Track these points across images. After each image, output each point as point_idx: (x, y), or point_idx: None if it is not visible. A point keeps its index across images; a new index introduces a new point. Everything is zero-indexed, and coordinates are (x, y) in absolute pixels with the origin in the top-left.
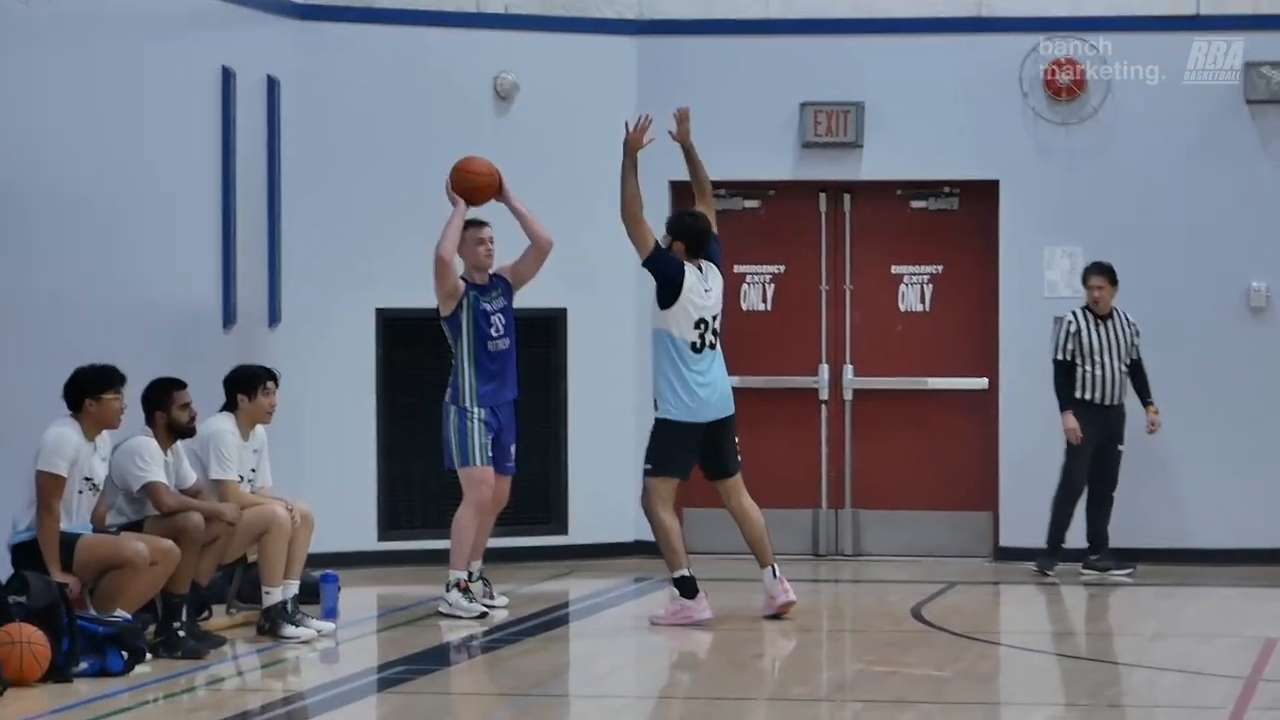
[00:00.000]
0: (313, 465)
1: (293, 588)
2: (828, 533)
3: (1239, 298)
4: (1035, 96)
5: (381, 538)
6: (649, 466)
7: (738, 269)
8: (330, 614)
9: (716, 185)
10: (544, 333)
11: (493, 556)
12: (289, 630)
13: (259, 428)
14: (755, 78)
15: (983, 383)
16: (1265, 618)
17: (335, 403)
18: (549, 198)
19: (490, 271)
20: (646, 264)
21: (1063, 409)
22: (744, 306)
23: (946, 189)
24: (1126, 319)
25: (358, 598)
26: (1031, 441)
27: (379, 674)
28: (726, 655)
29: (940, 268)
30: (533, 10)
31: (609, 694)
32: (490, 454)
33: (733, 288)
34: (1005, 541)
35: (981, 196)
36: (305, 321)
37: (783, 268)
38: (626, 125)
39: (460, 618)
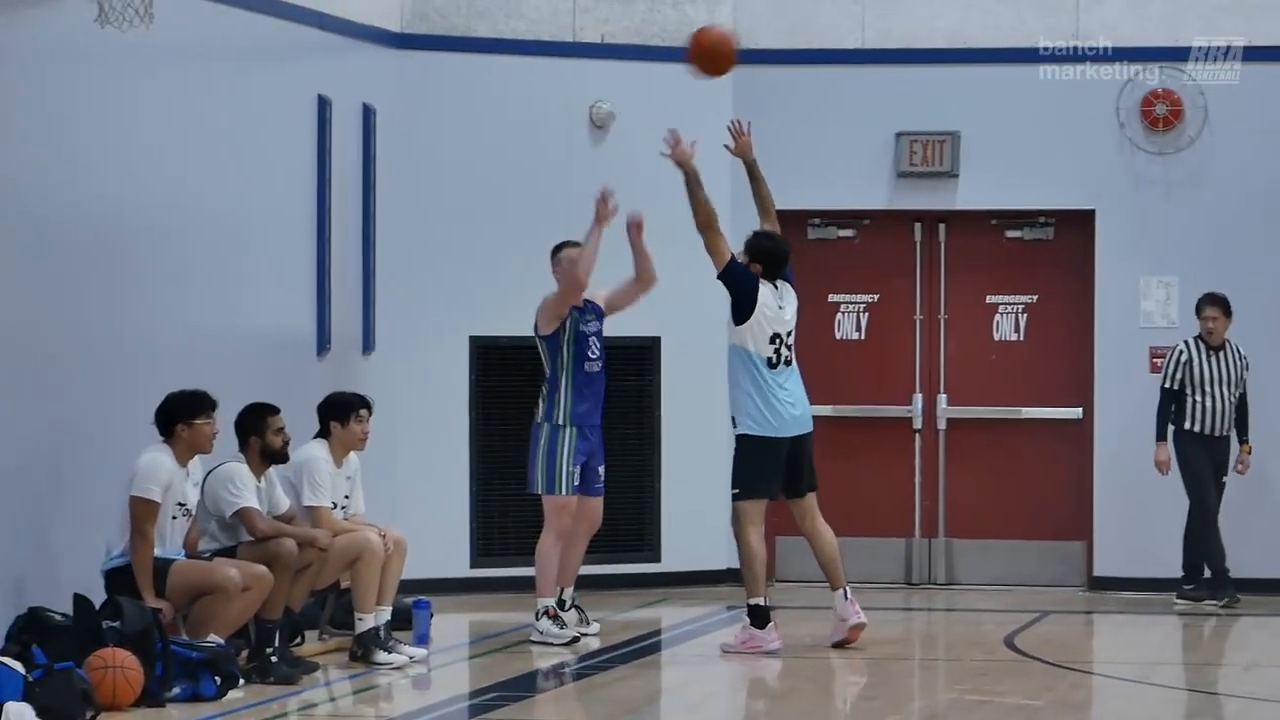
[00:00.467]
0: (406, 492)
1: (385, 614)
2: (920, 561)
3: None
4: (1132, 127)
5: (474, 564)
6: (736, 490)
7: (832, 298)
8: (423, 640)
9: (812, 214)
10: (637, 361)
11: (586, 584)
12: (381, 656)
13: (352, 455)
14: (851, 107)
15: (1077, 412)
16: None
17: (428, 429)
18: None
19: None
20: (722, 276)
21: (1159, 438)
22: (838, 335)
23: (1042, 219)
24: (1238, 351)
25: (450, 624)
26: (1127, 471)
27: (470, 700)
28: (818, 683)
29: (1035, 297)
30: (629, 39)
31: None
32: (576, 483)
33: (827, 317)
34: (1099, 571)
35: (1077, 226)
36: (399, 349)
37: (877, 297)
38: (666, 139)
39: (551, 644)
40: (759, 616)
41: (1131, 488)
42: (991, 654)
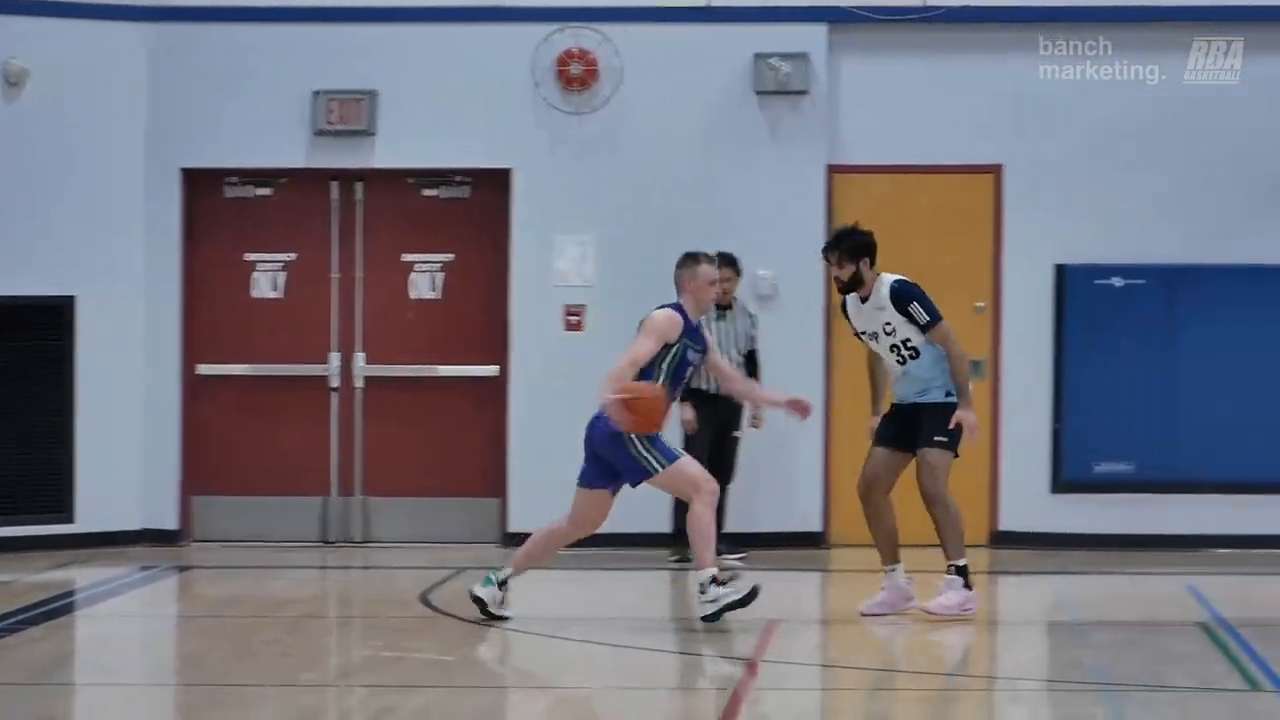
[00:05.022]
0: None
1: None
2: (338, 519)
3: (746, 286)
4: (547, 86)
5: None
6: (945, 440)
7: (248, 257)
8: None
9: (229, 173)
10: (53, 320)
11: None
12: None
13: None
14: (268, 65)
15: (494, 370)
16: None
17: None
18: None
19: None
20: (927, 324)
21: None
22: (254, 294)
23: (458, 178)
24: (745, 309)
25: None
26: (539, 428)
27: None
28: (234, 641)
29: (452, 256)
30: None
31: (116, 682)
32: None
33: (243, 275)
34: (514, 527)
35: (493, 185)
36: None
37: (294, 255)
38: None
39: (737, 606)
40: (967, 576)
41: (544, 444)
42: (407, 610)
